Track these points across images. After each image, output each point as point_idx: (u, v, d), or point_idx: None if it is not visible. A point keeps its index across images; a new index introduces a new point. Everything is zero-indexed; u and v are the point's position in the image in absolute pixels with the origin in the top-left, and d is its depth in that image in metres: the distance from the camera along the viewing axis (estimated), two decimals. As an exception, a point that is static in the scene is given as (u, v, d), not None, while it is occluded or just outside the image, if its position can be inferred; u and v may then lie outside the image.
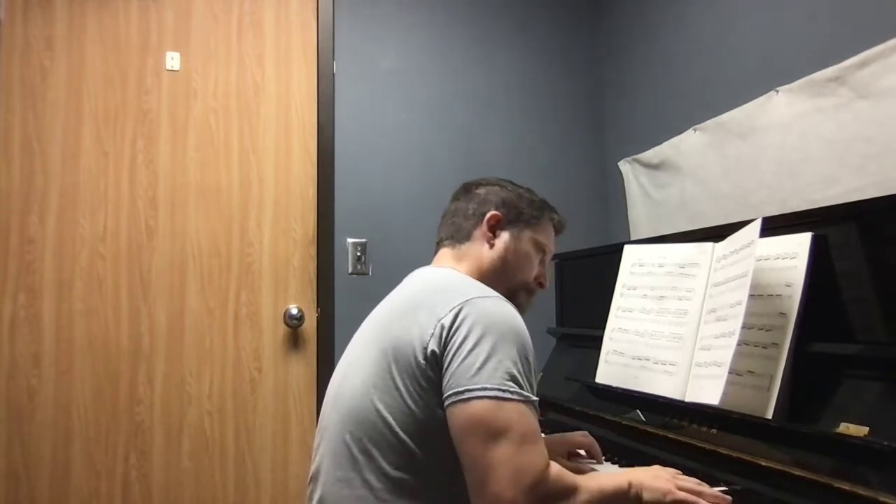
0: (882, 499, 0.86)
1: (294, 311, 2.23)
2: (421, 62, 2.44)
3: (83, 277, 2.09)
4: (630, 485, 0.98)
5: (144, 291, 2.14)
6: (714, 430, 1.21)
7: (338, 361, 1.14)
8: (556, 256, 2.10)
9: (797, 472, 0.99)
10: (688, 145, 2.05)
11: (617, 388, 1.48)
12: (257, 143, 2.27)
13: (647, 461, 1.28)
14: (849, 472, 0.93)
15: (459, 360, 0.93)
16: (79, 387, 2.06)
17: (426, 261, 1.22)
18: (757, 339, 1.15)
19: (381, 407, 0.97)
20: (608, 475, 1.02)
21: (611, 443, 1.42)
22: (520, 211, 1.19)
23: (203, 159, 2.22)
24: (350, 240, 2.31)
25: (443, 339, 0.95)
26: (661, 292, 1.45)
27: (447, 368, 0.94)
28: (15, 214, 2.06)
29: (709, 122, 1.96)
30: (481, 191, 1.21)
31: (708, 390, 1.18)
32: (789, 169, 1.65)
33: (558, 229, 1.27)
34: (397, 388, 0.97)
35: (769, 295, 1.16)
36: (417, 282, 1.13)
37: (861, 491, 0.89)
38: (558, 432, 1.39)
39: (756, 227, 1.16)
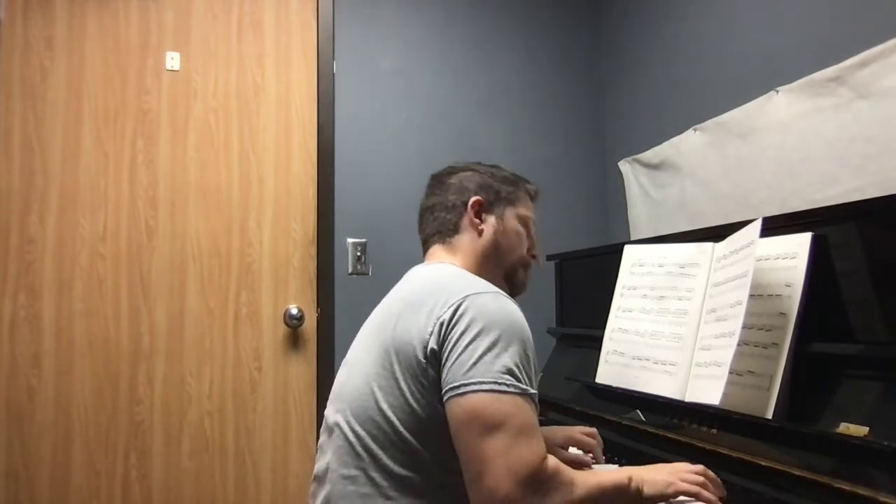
0: (882, 499, 0.86)
1: (294, 311, 2.23)
2: (421, 62, 2.45)
3: (83, 277, 2.09)
4: (630, 479, 0.97)
5: (144, 291, 2.14)
6: (714, 430, 1.21)
7: (338, 361, 1.15)
8: (556, 256, 2.11)
9: (797, 472, 0.99)
10: (688, 145, 2.05)
11: (617, 389, 1.48)
12: (257, 143, 2.27)
13: (647, 461, 1.28)
14: (849, 472, 0.93)
15: (456, 355, 0.93)
16: (79, 387, 2.06)
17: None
18: (757, 339, 1.15)
19: (384, 406, 0.98)
20: (608, 472, 1.02)
21: (611, 443, 1.42)
22: (497, 191, 1.20)
23: (203, 159, 2.22)
24: (350, 240, 2.31)
25: (441, 336, 0.95)
26: (661, 292, 1.45)
27: (445, 363, 0.94)
28: (15, 214, 2.06)
29: (709, 122, 1.96)
30: (454, 179, 1.21)
31: (708, 390, 1.18)
32: (789, 169, 1.65)
33: (534, 197, 1.27)
34: (400, 388, 0.97)
35: (769, 295, 1.16)
36: (415, 280, 1.13)
37: (861, 491, 0.89)
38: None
39: (756, 227, 1.16)
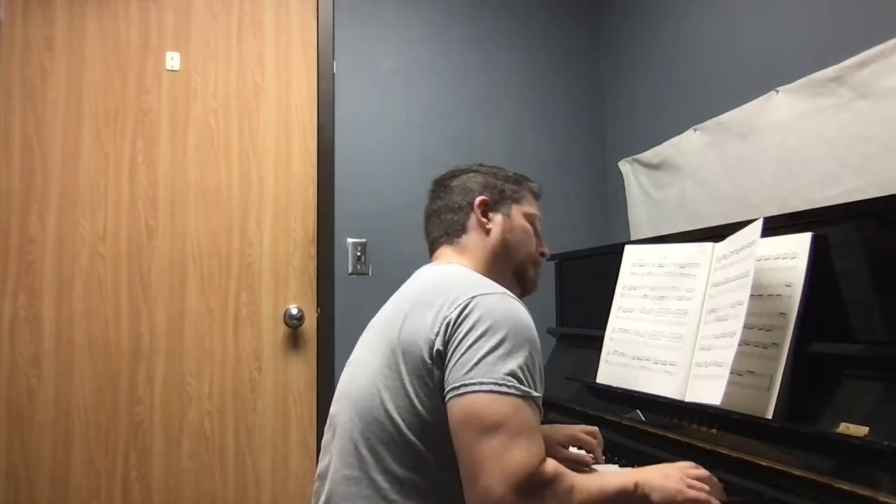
0: (882, 499, 0.86)
1: (294, 311, 2.23)
2: (421, 62, 2.45)
3: (83, 277, 2.09)
4: (636, 485, 0.95)
5: (144, 291, 2.14)
6: (714, 430, 1.21)
7: (338, 361, 1.15)
8: (556, 256, 2.11)
9: (797, 472, 0.99)
10: (688, 145, 2.05)
11: (617, 389, 1.48)
12: (257, 143, 2.27)
13: (647, 461, 1.28)
14: (849, 472, 0.93)
15: (459, 354, 0.92)
16: (79, 387, 2.06)
17: (426, 261, 1.22)
18: (757, 339, 1.15)
19: (389, 408, 0.97)
20: (613, 475, 1.00)
21: (611, 443, 1.42)
22: (501, 189, 1.20)
23: (203, 159, 2.22)
24: (350, 240, 2.31)
25: (447, 336, 0.95)
26: (661, 292, 1.45)
27: (448, 363, 0.94)
28: (15, 214, 2.06)
29: (709, 122, 1.96)
30: (457, 182, 1.21)
31: (708, 390, 1.18)
32: (789, 169, 1.65)
33: (538, 195, 1.27)
34: (405, 389, 0.97)
35: (769, 295, 1.16)
36: (423, 280, 1.12)
37: (861, 491, 0.89)
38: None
39: (757, 227, 1.16)
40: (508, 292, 1.02)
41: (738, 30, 1.90)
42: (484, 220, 1.16)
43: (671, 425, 1.32)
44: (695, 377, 1.26)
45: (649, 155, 2.26)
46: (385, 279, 2.30)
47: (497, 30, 2.54)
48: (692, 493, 0.96)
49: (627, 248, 1.62)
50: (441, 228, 1.19)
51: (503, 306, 0.97)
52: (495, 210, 1.18)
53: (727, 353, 1.14)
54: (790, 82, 1.65)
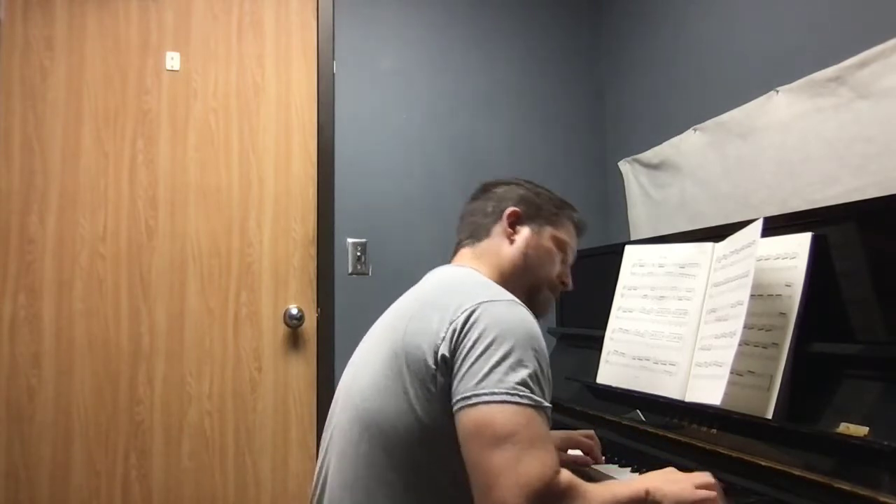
0: (882, 499, 0.86)
1: (294, 311, 2.23)
2: (421, 62, 2.45)
3: (83, 277, 2.09)
4: (647, 492, 0.94)
5: (144, 291, 2.14)
6: (714, 430, 1.21)
7: (338, 361, 1.14)
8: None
9: (797, 472, 0.99)
10: (688, 145, 2.05)
11: (617, 389, 1.48)
12: (257, 143, 2.27)
13: (647, 461, 1.29)
14: (849, 472, 0.93)
15: (469, 364, 0.90)
16: (79, 387, 2.06)
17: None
18: (757, 339, 1.15)
19: (388, 411, 0.96)
20: (622, 483, 0.99)
21: (611, 443, 1.42)
22: (539, 207, 1.18)
23: (203, 159, 2.22)
24: (350, 240, 2.31)
25: (454, 343, 0.93)
26: (661, 292, 1.45)
27: (457, 373, 0.92)
28: (15, 214, 2.06)
29: (709, 122, 1.96)
30: (500, 189, 1.20)
31: (708, 390, 1.18)
32: (789, 169, 1.65)
33: (579, 228, 1.25)
34: (406, 393, 0.95)
35: (769, 295, 1.16)
36: (434, 281, 1.11)
37: (861, 491, 0.89)
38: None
39: (757, 227, 1.16)
40: (517, 300, 1.00)
41: (738, 30, 1.90)
42: (510, 230, 1.15)
43: (671, 425, 1.32)
44: (695, 377, 1.26)
45: (649, 155, 2.26)
46: (385, 279, 2.30)
47: (497, 30, 2.54)
48: (702, 494, 0.95)
49: (627, 248, 1.62)
50: (467, 230, 1.19)
51: (511, 315, 0.95)
52: (525, 224, 1.17)
53: (727, 353, 1.14)
54: (790, 82, 1.65)
